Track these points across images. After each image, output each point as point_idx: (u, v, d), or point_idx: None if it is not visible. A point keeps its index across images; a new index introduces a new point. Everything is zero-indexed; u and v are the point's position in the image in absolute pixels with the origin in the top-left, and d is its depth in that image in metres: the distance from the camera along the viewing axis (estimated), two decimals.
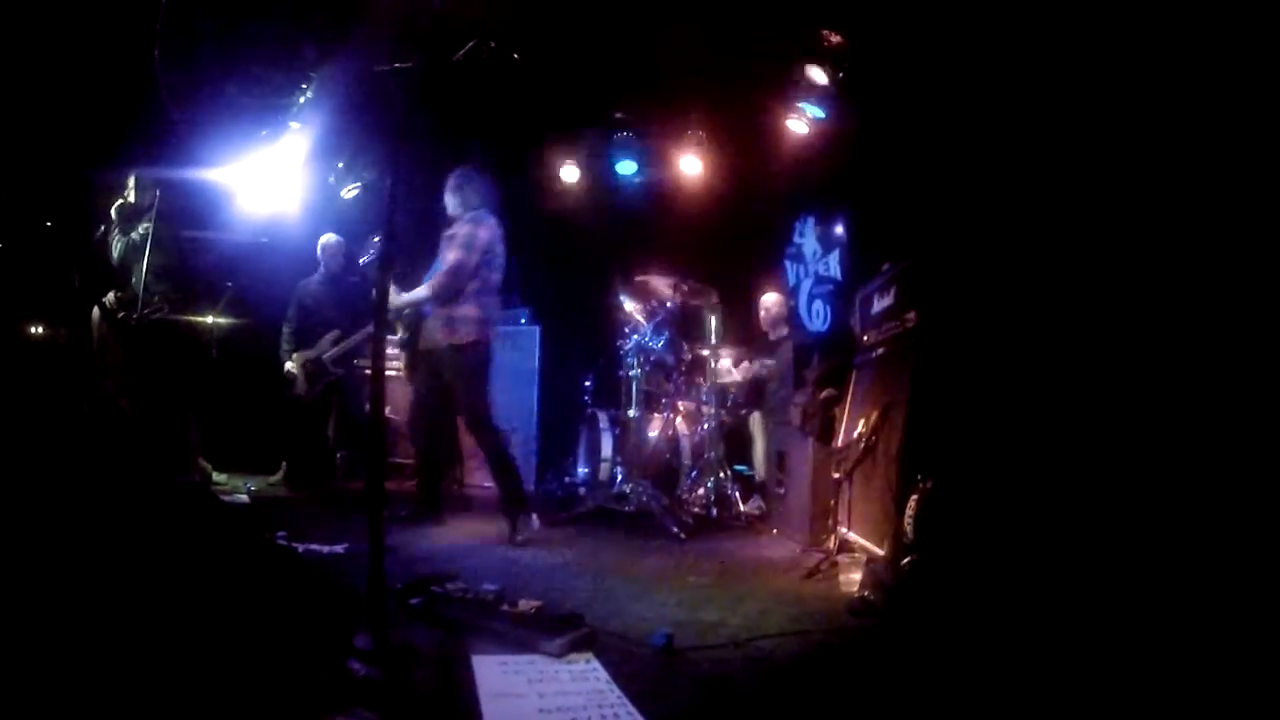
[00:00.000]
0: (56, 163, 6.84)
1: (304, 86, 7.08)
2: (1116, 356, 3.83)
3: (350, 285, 7.64)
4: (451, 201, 5.83)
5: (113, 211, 6.36)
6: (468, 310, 5.54)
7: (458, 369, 5.55)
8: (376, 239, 7.65)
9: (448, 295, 5.54)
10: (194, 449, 6.41)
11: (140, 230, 6.06)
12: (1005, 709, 2.61)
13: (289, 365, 7.38)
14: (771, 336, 7.80)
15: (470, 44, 2.89)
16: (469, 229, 5.60)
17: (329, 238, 7.68)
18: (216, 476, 7.06)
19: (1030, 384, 3.95)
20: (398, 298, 5.61)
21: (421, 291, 5.61)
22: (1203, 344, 3.62)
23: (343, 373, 7.47)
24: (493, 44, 2.87)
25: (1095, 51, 4.37)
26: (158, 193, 6.12)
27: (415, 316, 6.15)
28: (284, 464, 7.66)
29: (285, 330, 7.55)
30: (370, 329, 7.57)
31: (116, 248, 6.16)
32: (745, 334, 8.14)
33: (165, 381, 6.16)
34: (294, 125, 7.18)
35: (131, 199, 6.23)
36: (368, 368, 7.82)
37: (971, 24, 5.30)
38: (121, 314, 6.06)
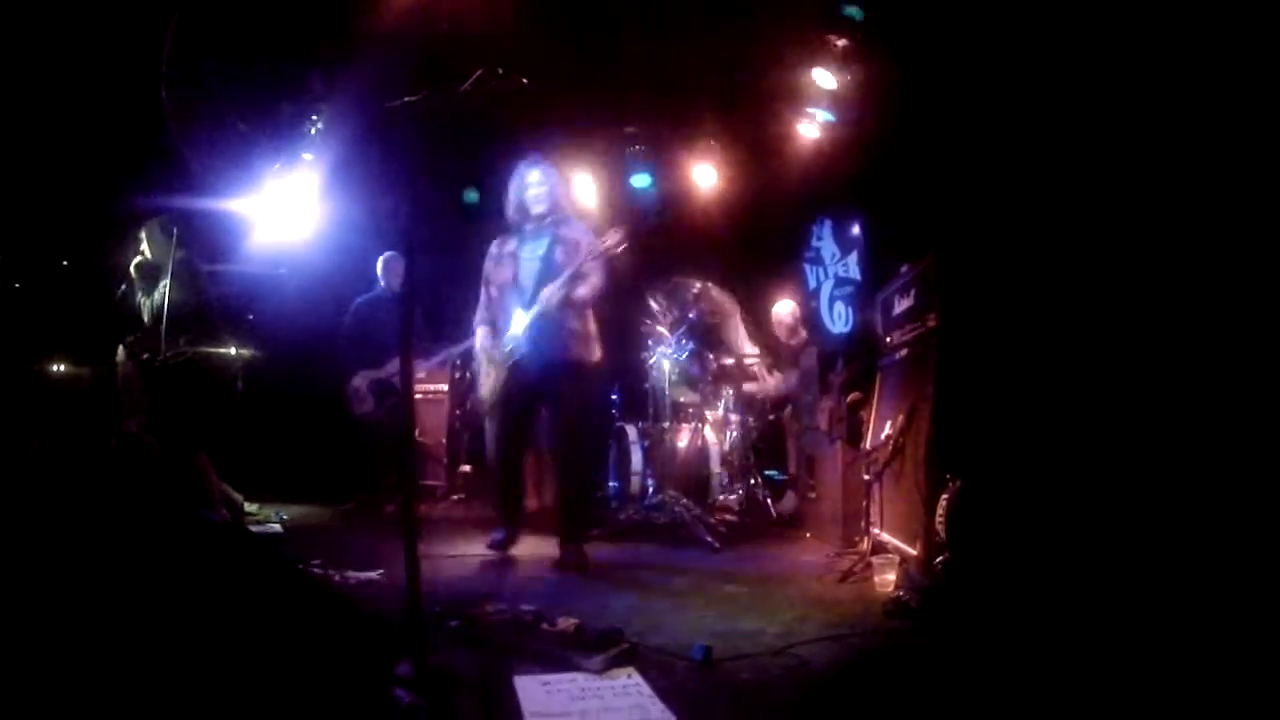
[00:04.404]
0: (72, 198, 6.89)
1: (314, 118, 7.13)
2: (1137, 351, 3.82)
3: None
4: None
5: (132, 269, 6.32)
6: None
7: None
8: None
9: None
10: (213, 483, 6.36)
11: (163, 286, 6.04)
12: (1043, 708, 2.60)
13: (355, 381, 7.15)
14: (793, 343, 7.77)
15: (478, 72, 2.89)
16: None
17: (391, 255, 7.49)
18: (249, 507, 7.01)
19: (1052, 379, 3.95)
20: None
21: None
22: (1236, 335, 3.60)
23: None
24: (500, 71, 2.87)
25: (1110, 47, 4.36)
26: (175, 231, 6.10)
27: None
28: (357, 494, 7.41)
29: (343, 346, 7.35)
30: (457, 348, 7.52)
31: (145, 307, 6.15)
32: (769, 339, 8.12)
33: (188, 417, 6.15)
34: (306, 156, 7.23)
35: (148, 254, 6.20)
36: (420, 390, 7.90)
37: (984, 19, 5.29)
38: (145, 355, 6.08)
